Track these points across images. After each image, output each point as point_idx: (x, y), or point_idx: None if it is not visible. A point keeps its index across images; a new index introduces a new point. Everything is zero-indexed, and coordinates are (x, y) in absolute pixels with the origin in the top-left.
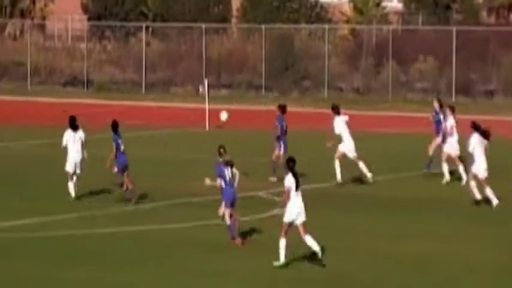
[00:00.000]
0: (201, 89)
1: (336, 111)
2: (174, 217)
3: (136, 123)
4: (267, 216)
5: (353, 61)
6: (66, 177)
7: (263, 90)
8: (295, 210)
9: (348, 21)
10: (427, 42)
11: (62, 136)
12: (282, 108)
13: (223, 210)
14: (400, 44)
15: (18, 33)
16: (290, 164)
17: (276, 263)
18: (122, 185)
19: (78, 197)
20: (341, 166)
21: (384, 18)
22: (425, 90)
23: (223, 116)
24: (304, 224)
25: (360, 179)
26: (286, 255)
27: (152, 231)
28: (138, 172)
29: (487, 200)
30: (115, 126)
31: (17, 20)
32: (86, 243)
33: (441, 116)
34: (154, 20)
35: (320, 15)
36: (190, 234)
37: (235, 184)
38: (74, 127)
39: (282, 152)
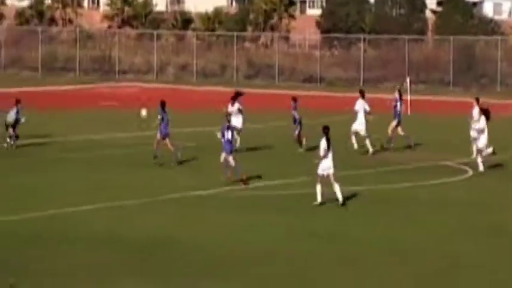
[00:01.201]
0: (404, 84)
1: (362, 94)
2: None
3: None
4: (457, 180)
5: None
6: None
7: (451, 85)
8: (326, 165)
9: None
10: None
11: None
12: (294, 100)
13: (224, 156)
14: None
15: (269, 42)
16: (325, 130)
17: (314, 203)
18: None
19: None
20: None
21: None
22: None
23: (143, 112)
24: (333, 174)
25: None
26: (322, 197)
27: (381, 189)
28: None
29: None
30: (163, 105)
31: (269, 33)
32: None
33: (398, 103)
34: (369, 33)
35: (494, 29)
36: (414, 193)
37: (232, 140)
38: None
39: (296, 132)
